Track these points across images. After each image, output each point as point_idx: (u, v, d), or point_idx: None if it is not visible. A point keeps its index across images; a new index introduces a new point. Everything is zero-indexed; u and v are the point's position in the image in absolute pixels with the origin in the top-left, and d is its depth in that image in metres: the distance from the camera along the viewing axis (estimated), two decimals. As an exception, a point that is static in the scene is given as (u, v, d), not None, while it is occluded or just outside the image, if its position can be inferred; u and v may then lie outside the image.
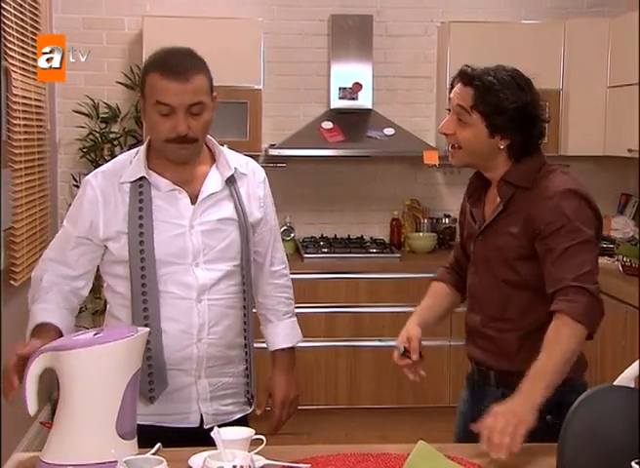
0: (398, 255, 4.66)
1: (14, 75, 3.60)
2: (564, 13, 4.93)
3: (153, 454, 1.63)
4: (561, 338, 1.84)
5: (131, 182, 2.04)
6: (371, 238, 4.98)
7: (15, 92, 3.63)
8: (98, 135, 4.64)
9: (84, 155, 4.64)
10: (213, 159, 2.14)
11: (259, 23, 4.63)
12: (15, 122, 3.62)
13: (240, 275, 2.13)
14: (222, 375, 2.14)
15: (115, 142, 4.63)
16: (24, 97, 3.82)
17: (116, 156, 2.24)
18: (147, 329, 1.77)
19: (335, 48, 4.79)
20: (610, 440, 1.51)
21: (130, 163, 2.08)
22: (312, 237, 4.94)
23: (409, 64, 4.97)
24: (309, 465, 1.70)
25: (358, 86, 4.77)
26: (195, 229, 2.05)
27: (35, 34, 3.94)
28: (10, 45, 3.55)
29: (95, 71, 4.71)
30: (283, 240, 4.92)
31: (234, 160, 2.17)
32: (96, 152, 4.62)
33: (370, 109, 4.78)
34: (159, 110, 1.97)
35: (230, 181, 2.12)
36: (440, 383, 4.35)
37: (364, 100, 4.77)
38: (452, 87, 2.09)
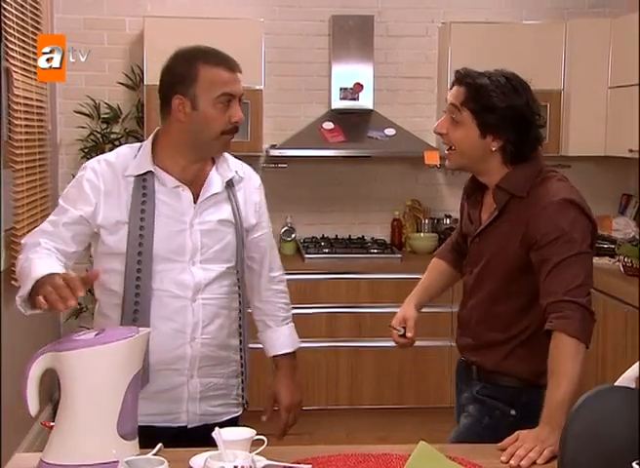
0: (399, 256, 4.66)
1: (15, 75, 3.61)
2: (565, 13, 4.93)
3: (154, 455, 1.63)
4: (566, 359, 1.86)
5: (135, 176, 2.05)
6: (372, 238, 4.98)
7: (16, 92, 3.63)
8: (99, 135, 4.64)
9: (85, 156, 4.63)
10: (213, 160, 2.15)
11: (259, 24, 4.63)
12: (16, 122, 3.62)
13: (235, 277, 2.15)
14: (213, 376, 2.15)
15: (116, 143, 4.63)
16: (26, 98, 3.82)
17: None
18: (149, 329, 1.77)
19: (336, 48, 4.79)
20: (611, 440, 1.51)
21: (134, 157, 2.08)
22: (313, 237, 4.94)
23: (410, 65, 4.97)
24: (310, 465, 1.70)
25: (359, 86, 4.77)
26: (195, 228, 2.07)
27: (36, 34, 3.94)
28: (11, 45, 3.56)
29: (96, 72, 4.71)
30: (284, 240, 4.99)
31: (233, 163, 2.20)
32: (97, 153, 4.61)
33: (371, 110, 4.78)
34: (221, 102, 2.02)
35: (229, 184, 2.15)
36: (441, 384, 4.34)
37: (365, 101, 4.77)
38: (451, 89, 2.10)
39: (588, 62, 4.61)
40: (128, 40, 4.76)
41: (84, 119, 4.66)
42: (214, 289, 2.10)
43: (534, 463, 1.73)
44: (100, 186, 2.04)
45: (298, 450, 1.81)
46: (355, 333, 4.48)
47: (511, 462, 1.73)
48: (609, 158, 4.66)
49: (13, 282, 3.53)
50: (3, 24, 3.47)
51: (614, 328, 3.86)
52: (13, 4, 3.61)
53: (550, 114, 4.69)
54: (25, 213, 3.77)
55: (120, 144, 4.62)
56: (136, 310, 2.01)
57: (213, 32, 4.47)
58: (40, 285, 1.77)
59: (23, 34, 3.78)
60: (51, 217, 2.09)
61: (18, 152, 3.65)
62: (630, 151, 4.24)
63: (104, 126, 4.66)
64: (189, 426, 2.10)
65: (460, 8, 4.92)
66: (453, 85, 2.09)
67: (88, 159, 2.18)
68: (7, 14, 3.50)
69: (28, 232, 3.86)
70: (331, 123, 4.69)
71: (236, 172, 2.18)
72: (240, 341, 2.22)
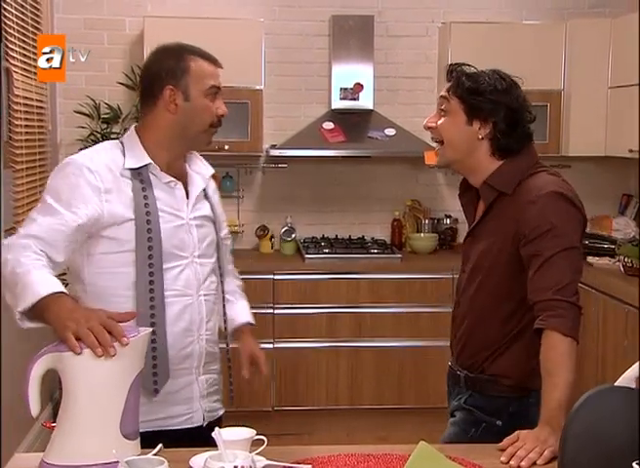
0: (399, 256, 4.66)
1: (15, 75, 3.61)
2: (565, 13, 4.93)
3: (155, 455, 1.63)
4: (561, 358, 1.86)
5: (132, 170, 2.01)
6: (372, 238, 4.98)
7: (16, 92, 3.63)
8: (99, 135, 4.63)
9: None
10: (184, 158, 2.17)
11: (260, 24, 4.63)
12: (16, 123, 3.63)
13: (218, 273, 2.18)
14: (212, 372, 2.17)
15: (116, 143, 4.63)
16: (26, 98, 3.82)
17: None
18: (150, 329, 1.77)
19: (336, 48, 4.79)
20: (611, 440, 1.51)
21: (121, 151, 2.04)
22: (313, 237, 4.94)
23: (410, 65, 4.97)
24: (310, 465, 1.70)
25: (359, 86, 4.77)
26: (190, 223, 2.09)
27: (36, 34, 3.94)
28: (11, 45, 3.56)
29: (96, 72, 4.71)
30: (284, 240, 5.00)
31: (203, 160, 2.24)
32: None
33: (371, 110, 4.78)
34: (211, 94, 2.06)
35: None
36: (441, 384, 4.32)
37: (365, 101, 4.77)
38: None
39: (588, 62, 4.61)
40: (128, 40, 4.77)
41: (84, 119, 4.66)
42: (207, 285, 2.12)
43: (534, 464, 1.73)
44: (99, 185, 1.95)
45: (297, 450, 1.80)
46: (355, 334, 4.48)
47: (511, 463, 1.73)
48: (609, 158, 4.66)
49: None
50: (3, 25, 3.47)
51: (614, 328, 3.86)
52: (13, 4, 3.61)
53: (550, 114, 4.69)
54: (25, 213, 3.76)
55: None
56: (152, 315, 1.98)
57: (213, 32, 4.48)
58: (50, 306, 1.70)
59: (24, 34, 3.78)
60: (38, 217, 1.92)
61: (18, 152, 3.65)
62: (630, 151, 4.24)
63: (105, 126, 4.66)
64: (204, 424, 2.11)
65: (461, 8, 4.92)
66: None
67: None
68: (7, 14, 3.50)
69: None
70: (331, 123, 4.69)
71: (204, 164, 2.23)
72: (225, 336, 2.24)
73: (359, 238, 4.97)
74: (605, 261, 4.33)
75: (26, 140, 3.83)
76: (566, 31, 4.67)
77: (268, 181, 4.97)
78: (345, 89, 4.77)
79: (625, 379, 1.63)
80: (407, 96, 4.97)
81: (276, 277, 4.45)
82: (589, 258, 4.37)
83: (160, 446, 1.70)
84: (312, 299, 4.45)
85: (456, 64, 2.08)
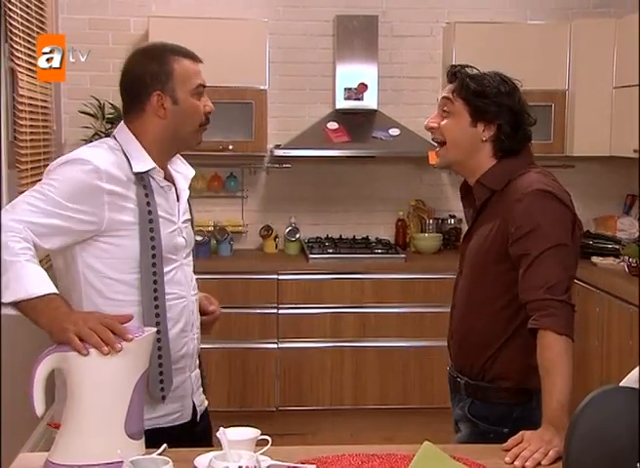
0: (403, 256, 4.66)
1: (20, 76, 3.62)
2: (570, 13, 4.92)
3: (159, 455, 1.63)
4: (558, 357, 1.85)
5: (137, 174, 1.98)
6: (376, 238, 4.98)
7: (21, 92, 3.64)
8: (103, 135, 4.64)
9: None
10: None
11: (264, 24, 4.63)
12: (21, 123, 3.63)
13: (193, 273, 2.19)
14: (197, 367, 2.18)
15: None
16: (30, 98, 3.83)
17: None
18: (155, 329, 1.77)
19: (340, 48, 4.79)
20: (616, 441, 1.50)
21: (123, 154, 1.99)
22: (317, 237, 4.94)
23: (414, 65, 4.97)
24: (315, 465, 1.70)
25: (363, 86, 4.77)
26: (181, 226, 2.09)
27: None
28: (16, 46, 3.56)
29: (100, 72, 4.71)
30: (288, 240, 5.00)
31: (183, 159, 2.22)
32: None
33: (375, 110, 4.77)
34: (199, 93, 2.03)
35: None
36: (446, 384, 4.34)
37: (369, 101, 4.77)
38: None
39: (593, 62, 4.61)
40: (132, 40, 4.77)
41: (88, 119, 4.66)
42: (195, 284, 2.15)
43: (538, 464, 1.72)
44: (108, 188, 1.91)
45: (302, 450, 1.81)
46: (359, 334, 4.48)
47: (516, 463, 1.73)
48: (613, 158, 4.65)
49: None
50: (8, 25, 3.48)
51: (618, 328, 3.85)
52: (18, 4, 3.61)
53: (555, 114, 4.69)
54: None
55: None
56: (158, 323, 1.98)
57: (217, 33, 4.49)
58: (42, 309, 1.68)
59: (28, 35, 3.78)
60: (37, 204, 1.84)
61: (23, 152, 3.66)
62: (635, 151, 4.23)
63: (109, 126, 4.66)
64: (198, 419, 2.14)
65: (465, 8, 4.92)
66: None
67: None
68: (12, 14, 3.51)
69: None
70: (335, 123, 4.69)
71: (185, 165, 2.22)
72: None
73: (363, 238, 4.97)
74: (609, 261, 4.32)
75: (31, 140, 3.84)
76: (570, 31, 4.67)
77: (272, 181, 4.97)
78: (350, 89, 4.77)
79: (630, 380, 1.62)
80: (411, 96, 4.97)
81: (280, 277, 4.45)
82: (594, 258, 4.36)
83: (165, 446, 1.70)
84: (316, 299, 4.45)
85: (458, 66, 2.09)
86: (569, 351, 1.86)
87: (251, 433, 1.70)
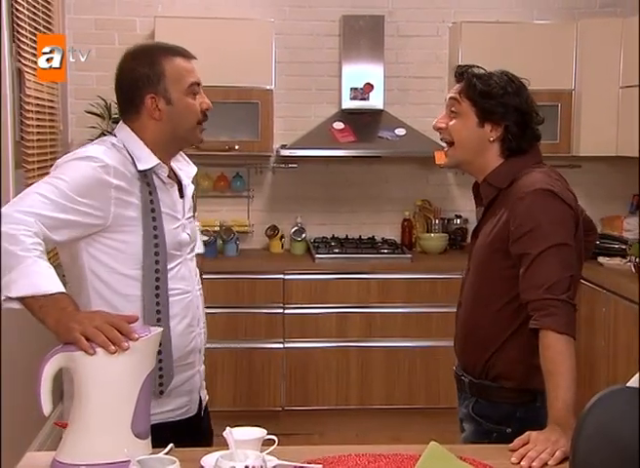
0: (409, 256, 4.66)
1: (27, 76, 3.62)
2: (576, 13, 4.91)
3: (166, 454, 1.63)
4: (560, 357, 1.85)
5: (141, 171, 1.99)
6: (382, 238, 4.98)
7: (28, 92, 3.65)
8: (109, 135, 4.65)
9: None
10: None
11: (270, 24, 4.63)
12: (28, 123, 3.64)
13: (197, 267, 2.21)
14: (202, 363, 2.21)
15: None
16: (37, 98, 3.84)
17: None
18: (161, 328, 1.77)
19: (346, 48, 4.79)
20: (623, 441, 1.50)
21: (127, 152, 2.01)
22: (324, 237, 4.94)
23: (420, 65, 4.96)
24: (321, 465, 1.70)
25: (369, 86, 4.77)
26: (185, 223, 2.11)
27: (48, 35, 3.96)
28: (23, 46, 3.57)
29: (106, 72, 4.65)
30: (294, 240, 5.00)
31: (184, 156, 2.24)
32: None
33: (381, 110, 4.77)
34: (193, 91, 2.03)
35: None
36: (452, 384, 4.33)
37: (375, 101, 4.77)
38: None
39: (600, 62, 4.60)
40: (139, 40, 4.71)
41: (95, 119, 4.67)
42: (198, 278, 2.17)
43: (545, 464, 1.72)
44: (115, 184, 1.93)
45: (308, 450, 1.81)
46: (365, 333, 4.48)
47: (523, 463, 1.72)
48: (620, 158, 4.64)
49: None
50: (15, 25, 3.49)
51: (625, 328, 3.84)
52: (25, 5, 3.62)
53: (561, 114, 4.68)
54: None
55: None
56: (158, 319, 1.99)
57: (223, 33, 4.50)
58: (49, 308, 1.68)
59: (35, 35, 3.79)
60: (48, 196, 1.84)
61: (29, 152, 3.67)
62: (641, 151, 4.23)
63: (115, 126, 4.67)
64: (202, 414, 2.18)
65: (471, 8, 4.92)
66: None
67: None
68: (19, 14, 3.52)
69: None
70: (341, 123, 4.69)
71: (188, 162, 2.24)
72: None
73: (369, 238, 4.97)
74: (616, 262, 4.31)
75: (38, 140, 3.85)
76: (577, 31, 4.66)
77: (278, 181, 4.98)
78: (356, 89, 4.77)
79: (637, 380, 1.62)
80: (417, 95, 4.97)
81: (286, 277, 4.45)
82: (600, 259, 4.35)
83: (171, 445, 1.71)
84: (322, 299, 4.46)
85: (465, 66, 2.09)
86: (571, 350, 1.86)
87: (257, 433, 1.70)
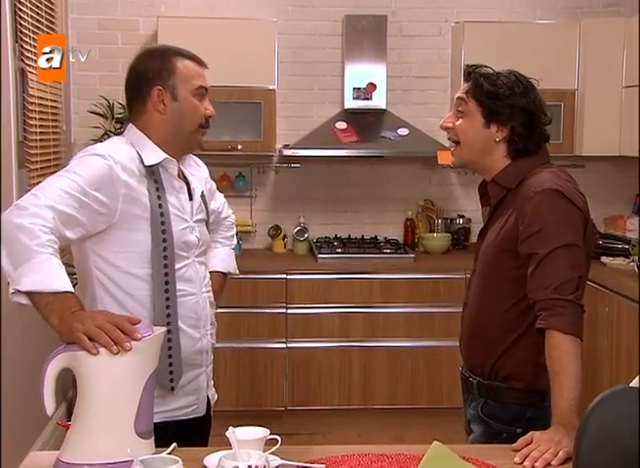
0: (412, 256, 4.66)
1: (30, 76, 3.63)
2: (579, 12, 4.91)
3: (169, 454, 1.64)
4: (566, 357, 1.85)
5: (148, 167, 2.01)
6: (385, 238, 4.97)
7: (31, 92, 3.65)
8: (113, 135, 4.64)
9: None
10: None
11: (273, 24, 4.63)
12: (31, 123, 3.65)
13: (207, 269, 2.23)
14: (211, 363, 2.23)
15: (130, 143, 4.64)
16: (40, 98, 3.84)
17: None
18: (164, 328, 1.79)
19: (349, 48, 4.79)
20: (626, 441, 1.50)
21: (134, 150, 2.03)
22: (326, 237, 4.94)
23: (423, 65, 4.96)
24: (324, 465, 1.70)
25: (372, 86, 4.77)
26: (193, 224, 2.12)
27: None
28: (26, 46, 3.58)
29: (109, 72, 4.72)
30: (297, 240, 5.01)
31: (196, 158, 2.27)
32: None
33: (384, 109, 4.77)
34: (200, 94, 2.06)
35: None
36: (454, 384, 4.32)
37: (378, 101, 4.77)
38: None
39: (603, 62, 4.60)
40: (142, 40, 4.78)
41: (98, 119, 4.67)
42: (207, 281, 2.18)
43: (548, 464, 1.72)
44: (125, 181, 1.95)
45: (311, 450, 1.81)
46: (368, 333, 4.48)
47: (525, 463, 1.72)
48: (623, 158, 4.64)
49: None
50: (18, 25, 3.49)
51: (628, 328, 3.84)
52: (28, 5, 3.63)
53: (564, 114, 4.68)
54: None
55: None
56: (168, 314, 2.01)
57: (226, 32, 4.50)
58: (54, 306, 1.68)
59: (39, 35, 3.79)
60: (66, 190, 1.85)
61: (32, 152, 3.67)
62: (644, 151, 4.22)
63: (118, 126, 4.67)
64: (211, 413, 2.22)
65: (474, 7, 4.91)
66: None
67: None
68: (22, 14, 3.53)
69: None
70: (344, 123, 4.69)
71: (199, 165, 2.27)
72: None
73: (372, 238, 4.97)
74: (619, 262, 4.31)
75: (41, 140, 3.85)
76: (580, 30, 4.65)
77: (281, 181, 4.98)
78: (358, 88, 4.77)
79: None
80: (420, 95, 4.96)
81: (289, 277, 4.45)
82: (603, 258, 4.35)
83: (174, 445, 1.71)
84: (325, 299, 4.46)
85: (473, 66, 2.08)
86: (577, 351, 1.86)
87: (260, 432, 1.70)
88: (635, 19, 4.44)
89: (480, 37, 4.62)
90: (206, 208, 2.21)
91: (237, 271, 2.55)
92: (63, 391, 4.04)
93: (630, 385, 1.63)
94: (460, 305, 2.22)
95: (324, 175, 5.00)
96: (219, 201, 2.45)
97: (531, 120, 2.03)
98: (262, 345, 4.44)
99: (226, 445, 1.61)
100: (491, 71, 2.06)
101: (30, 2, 3.67)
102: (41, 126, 3.86)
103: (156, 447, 1.70)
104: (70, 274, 1.82)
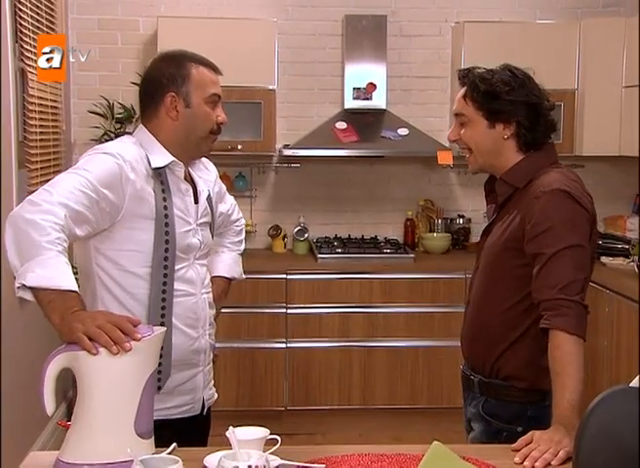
0: (412, 256, 4.66)
1: (30, 76, 3.63)
2: (579, 12, 4.91)
3: (169, 454, 1.64)
4: (569, 357, 1.85)
5: (155, 169, 2.03)
6: (385, 238, 4.98)
7: (31, 92, 3.65)
8: (112, 135, 4.65)
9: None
10: None
11: (273, 24, 4.63)
12: (31, 123, 3.65)
13: (209, 271, 2.26)
14: (210, 363, 2.24)
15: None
16: (40, 98, 3.84)
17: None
18: (164, 328, 1.79)
19: (349, 48, 4.79)
20: (626, 441, 1.50)
21: (143, 150, 2.05)
22: (326, 237, 4.94)
23: (423, 65, 4.96)
24: (324, 465, 1.70)
25: (372, 86, 4.77)
26: (196, 228, 2.13)
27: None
28: (26, 46, 3.58)
29: (109, 72, 4.73)
30: (297, 240, 5.01)
31: (205, 161, 2.28)
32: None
33: (384, 109, 4.77)
34: (213, 101, 2.08)
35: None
36: (454, 384, 4.33)
37: (378, 101, 4.77)
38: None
39: (603, 62, 4.60)
40: (141, 40, 4.78)
41: (98, 119, 4.68)
42: (207, 283, 2.20)
43: (548, 464, 1.72)
44: (133, 180, 1.96)
45: (311, 450, 1.81)
46: (368, 333, 4.48)
47: (525, 463, 1.72)
48: (623, 158, 4.64)
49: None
50: (18, 25, 3.49)
51: (628, 328, 3.84)
52: (28, 5, 3.63)
53: (564, 114, 4.68)
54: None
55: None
56: (162, 314, 2.04)
57: (226, 32, 4.50)
58: (57, 305, 1.68)
59: (39, 35, 3.79)
60: (77, 187, 1.85)
61: (32, 152, 3.68)
62: (644, 151, 4.22)
63: (118, 126, 4.68)
64: (205, 413, 2.22)
65: (474, 7, 4.92)
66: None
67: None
68: (22, 14, 3.53)
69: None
70: (344, 123, 4.69)
71: (208, 169, 2.28)
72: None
73: (372, 238, 4.97)
74: (619, 262, 4.31)
75: (41, 140, 3.86)
76: (580, 30, 4.65)
77: (281, 181, 4.98)
78: (358, 88, 4.77)
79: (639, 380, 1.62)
80: (420, 95, 4.96)
81: (289, 277, 4.45)
82: (603, 258, 4.35)
83: (174, 445, 1.71)
84: (325, 299, 4.46)
85: (466, 69, 2.08)
86: (580, 351, 1.86)
87: (260, 432, 1.70)
88: (635, 19, 4.44)
89: (480, 37, 4.62)
90: (211, 211, 2.22)
91: (243, 276, 2.59)
92: (63, 391, 4.04)
93: (630, 385, 1.63)
94: (461, 305, 2.22)
95: (324, 175, 5.00)
96: (228, 203, 2.46)
97: (534, 110, 2.03)
98: (262, 345, 4.44)
99: (226, 445, 1.61)
100: (485, 70, 2.06)
101: (30, 2, 3.67)
102: (41, 126, 3.86)
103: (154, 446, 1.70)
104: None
